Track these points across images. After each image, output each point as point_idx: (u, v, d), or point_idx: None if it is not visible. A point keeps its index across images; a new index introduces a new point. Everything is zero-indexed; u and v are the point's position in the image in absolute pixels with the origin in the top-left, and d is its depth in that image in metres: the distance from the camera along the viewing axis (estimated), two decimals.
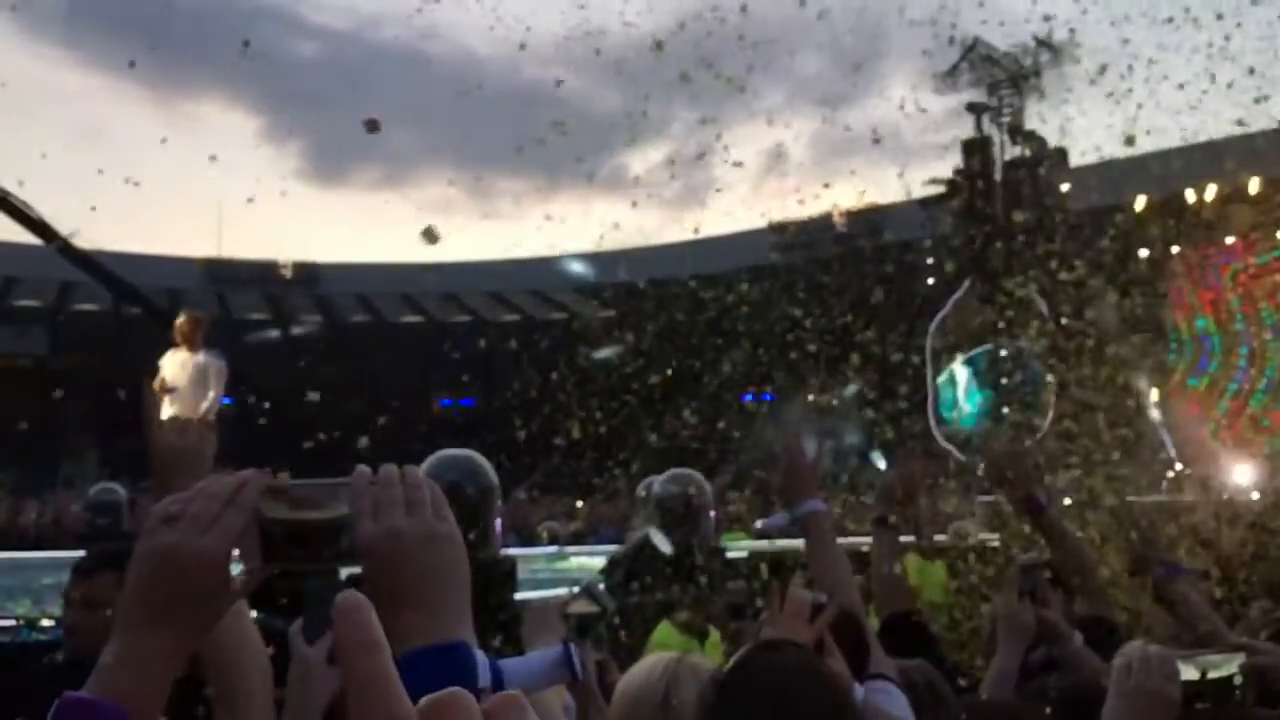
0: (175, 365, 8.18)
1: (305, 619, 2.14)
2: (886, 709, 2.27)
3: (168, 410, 7.96)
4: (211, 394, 8.14)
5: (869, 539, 3.73)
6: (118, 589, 3.13)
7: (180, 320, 8.35)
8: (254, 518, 1.07)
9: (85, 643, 2.92)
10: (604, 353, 24.82)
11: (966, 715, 1.83)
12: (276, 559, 1.10)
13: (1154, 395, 21.69)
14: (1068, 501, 6.16)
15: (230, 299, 36.47)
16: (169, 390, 7.97)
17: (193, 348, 8.21)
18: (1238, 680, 2.03)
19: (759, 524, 12.09)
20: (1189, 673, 1.98)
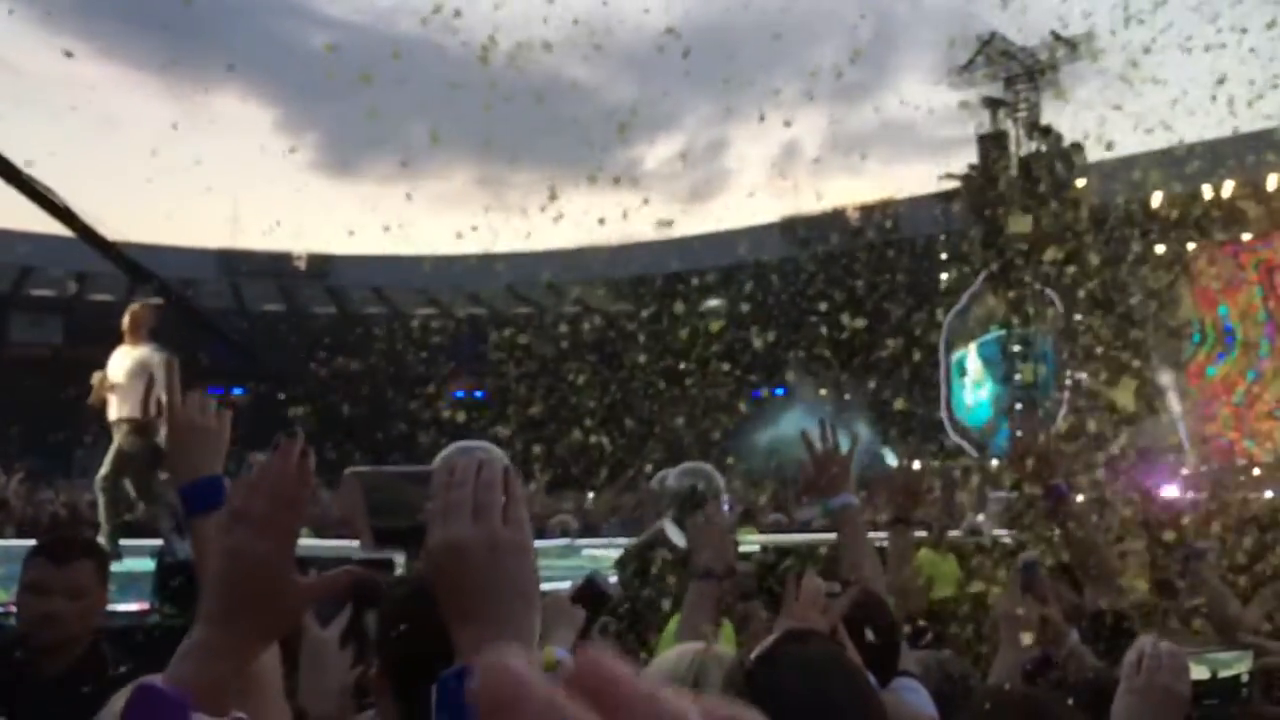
0: (117, 359, 7.74)
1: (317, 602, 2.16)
2: (911, 704, 2.27)
3: (113, 407, 7.63)
4: (163, 387, 7.50)
5: (880, 535, 3.74)
6: (95, 577, 3.12)
7: (134, 308, 7.88)
8: (361, 509, 1.09)
9: (68, 630, 2.90)
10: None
11: (991, 705, 1.83)
12: (386, 547, 1.12)
13: (1172, 386, 21.67)
14: (1081, 498, 6.15)
15: (244, 290, 36.61)
16: (110, 386, 7.56)
17: (135, 340, 7.72)
18: (1244, 679, 2.03)
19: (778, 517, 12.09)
20: (1199, 672, 1.98)
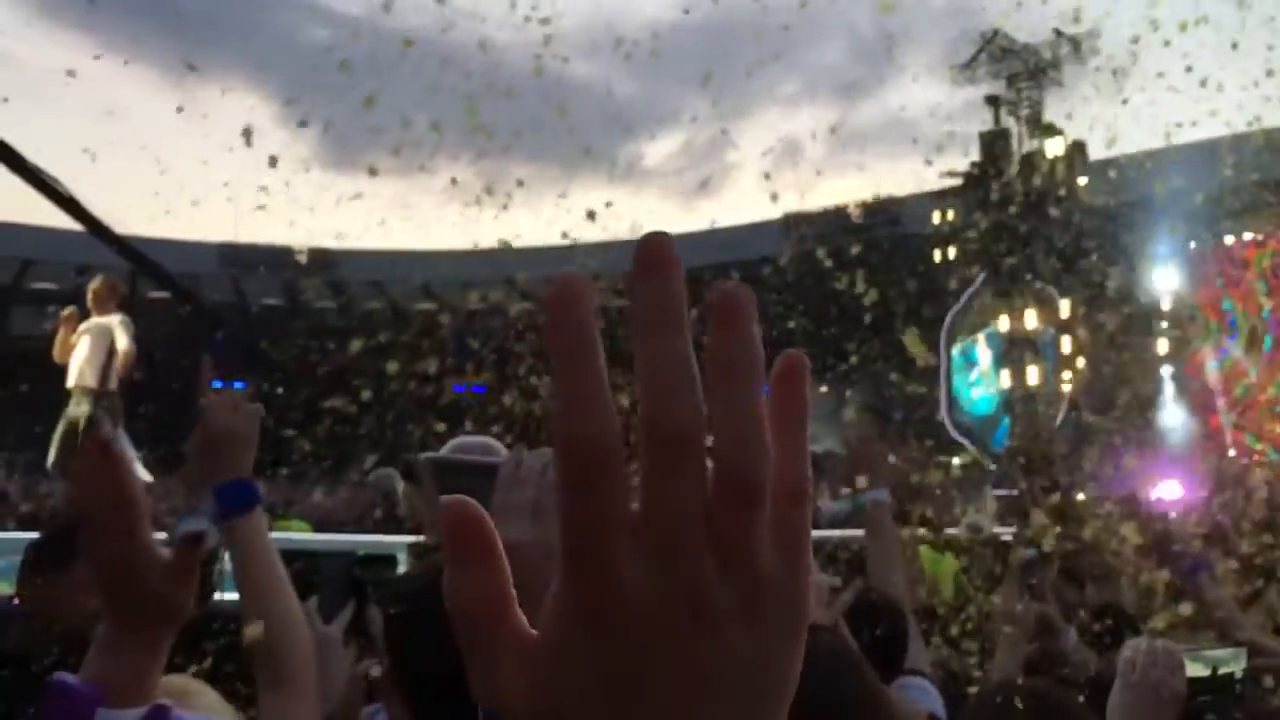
0: (82, 330, 7.77)
1: (320, 598, 2.17)
2: (911, 701, 2.28)
3: (73, 374, 7.67)
4: (123, 339, 7.62)
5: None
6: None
7: (95, 284, 7.85)
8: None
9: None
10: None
11: (1003, 699, 1.84)
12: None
13: (1172, 381, 21.66)
14: (1081, 497, 6.16)
15: (245, 284, 36.61)
16: (81, 330, 7.64)
17: (102, 312, 7.74)
18: (1239, 675, 2.04)
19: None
20: (1198, 669, 2.00)
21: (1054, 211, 21.82)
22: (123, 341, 7.63)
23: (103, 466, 1.08)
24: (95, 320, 7.78)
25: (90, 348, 7.69)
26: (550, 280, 0.37)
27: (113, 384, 7.79)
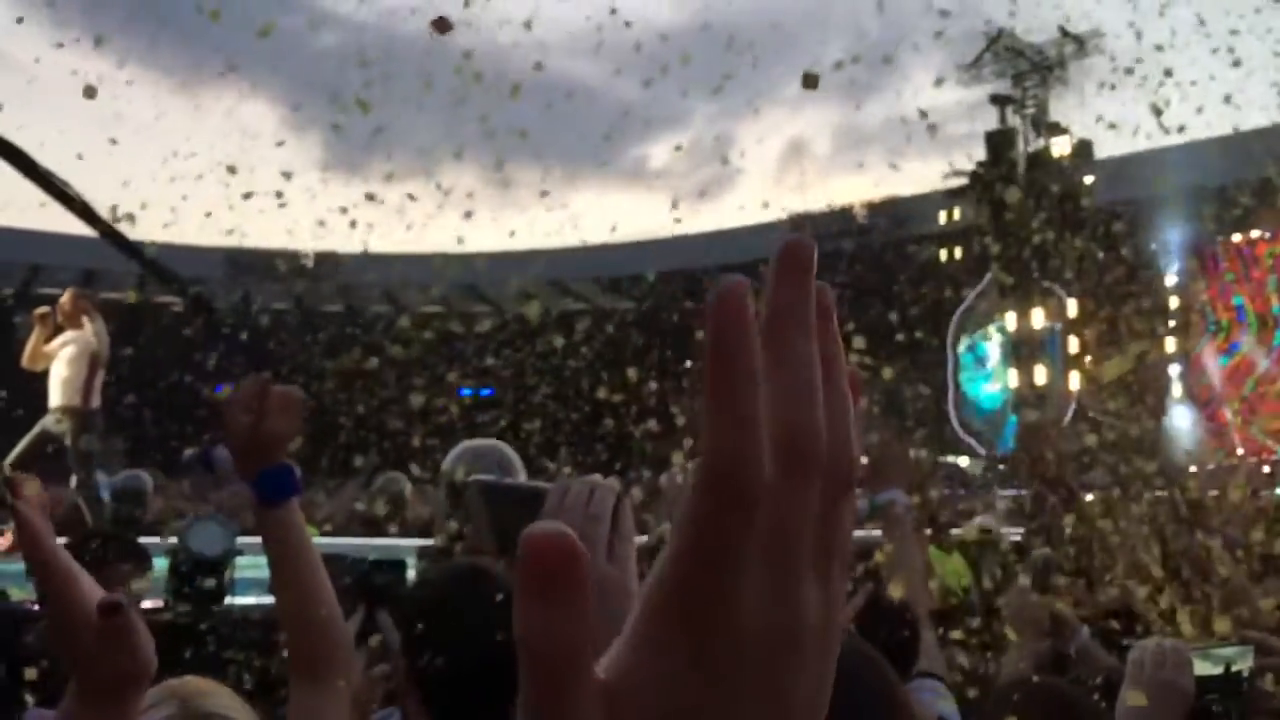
0: (56, 346, 7.59)
1: None
2: (927, 705, 2.27)
3: (54, 393, 7.50)
4: (92, 331, 7.56)
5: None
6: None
7: (62, 300, 7.72)
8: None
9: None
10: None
11: (1020, 696, 1.84)
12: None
13: (1179, 380, 21.60)
14: (1089, 498, 6.15)
15: (253, 289, 36.67)
16: (40, 357, 7.51)
17: (75, 325, 7.60)
18: (1245, 673, 2.04)
19: None
20: (1207, 667, 2.00)
21: (1060, 210, 21.78)
22: (99, 335, 7.55)
23: (18, 534, 1.05)
24: (70, 334, 7.62)
25: (71, 366, 7.52)
26: (714, 286, 0.36)
27: (95, 401, 7.65)
